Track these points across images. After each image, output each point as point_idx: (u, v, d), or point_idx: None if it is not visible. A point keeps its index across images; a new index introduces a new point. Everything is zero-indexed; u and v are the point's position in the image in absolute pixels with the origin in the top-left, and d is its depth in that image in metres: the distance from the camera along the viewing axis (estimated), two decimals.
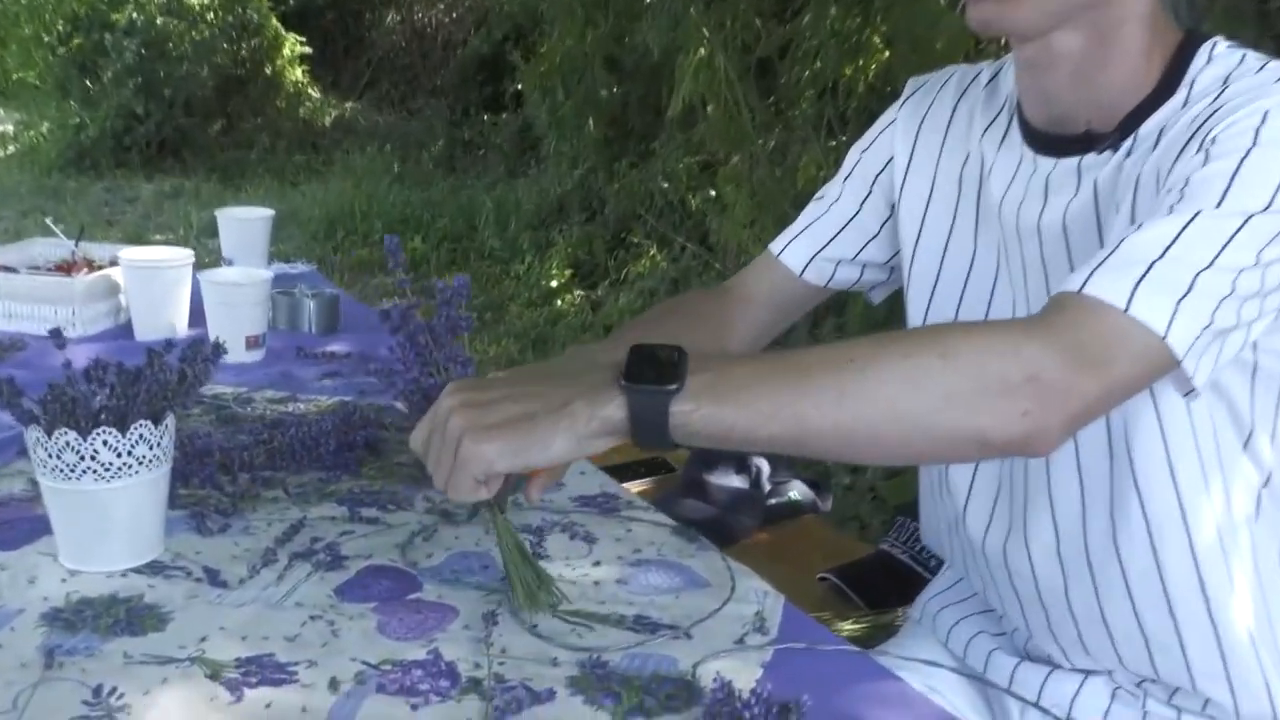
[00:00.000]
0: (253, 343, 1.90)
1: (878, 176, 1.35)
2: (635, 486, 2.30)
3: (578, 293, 6.30)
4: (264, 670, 0.99)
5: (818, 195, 1.41)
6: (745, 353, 1.30)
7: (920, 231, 1.30)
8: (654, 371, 0.95)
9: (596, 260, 6.50)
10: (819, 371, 0.94)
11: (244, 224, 2.35)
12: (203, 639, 1.04)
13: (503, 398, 0.97)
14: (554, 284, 6.33)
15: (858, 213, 1.37)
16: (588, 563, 1.22)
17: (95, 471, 1.11)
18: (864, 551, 2.16)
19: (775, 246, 1.42)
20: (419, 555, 1.22)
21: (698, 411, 0.93)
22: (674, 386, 0.93)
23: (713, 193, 5.79)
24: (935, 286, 1.29)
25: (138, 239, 7.53)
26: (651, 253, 6.09)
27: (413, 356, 1.12)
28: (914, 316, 1.31)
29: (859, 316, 4.22)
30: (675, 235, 6.01)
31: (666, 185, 6.28)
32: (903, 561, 2.03)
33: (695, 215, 6.06)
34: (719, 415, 0.93)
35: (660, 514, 1.36)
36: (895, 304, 1.45)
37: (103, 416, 1.11)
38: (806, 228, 1.40)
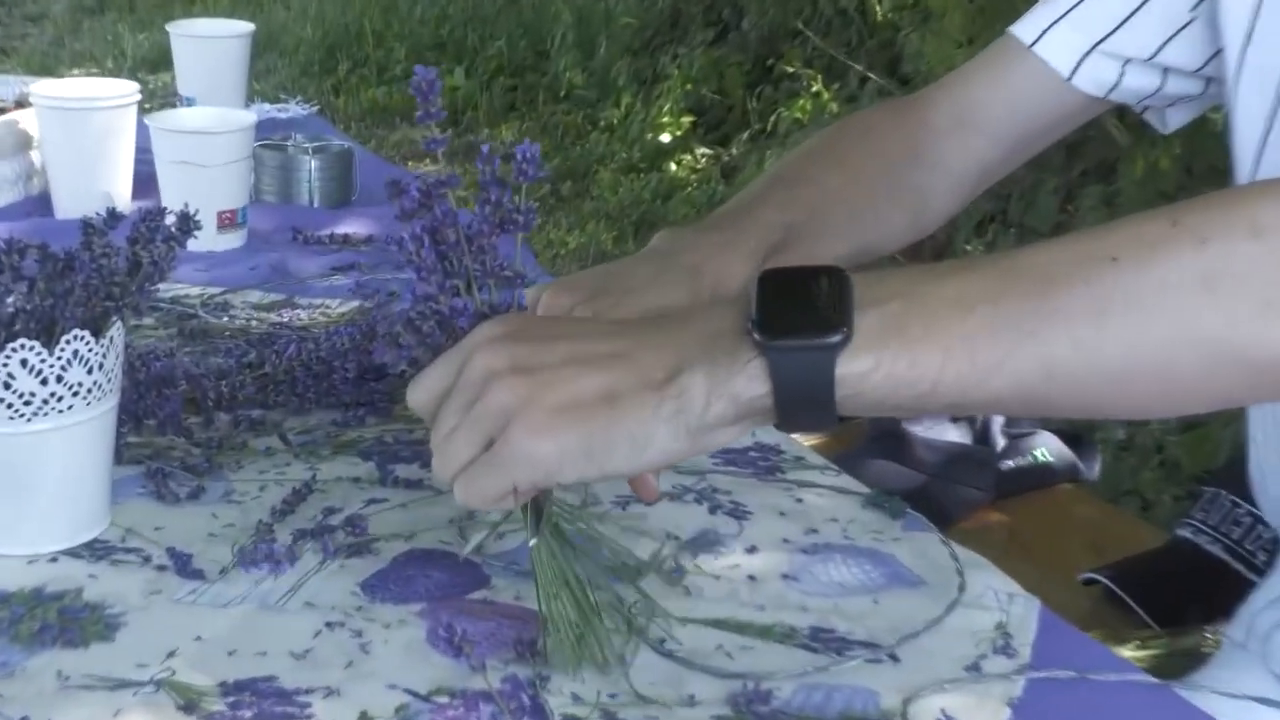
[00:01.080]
0: (228, 221, 1.93)
1: None
2: (805, 436, 2.30)
3: (702, 151, 6.29)
4: (262, 700, 1.00)
5: None
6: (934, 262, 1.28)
7: (1256, 19, 1.27)
8: (800, 311, 0.92)
9: (730, 101, 6.47)
10: (1065, 281, 0.90)
11: (210, 44, 2.38)
12: (171, 654, 1.05)
13: (571, 358, 0.95)
14: (666, 138, 6.33)
15: None
16: (738, 548, 1.23)
17: (9, 406, 1.13)
18: (1151, 540, 2.13)
19: (1023, 32, 1.41)
20: (485, 535, 1.23)
21: (878, 370, 0.91)
22: (837, 336, 0.90)
23: None
24: (1278, 111, 1.26)
25: (46, 73, 7.66)
26: (814, 88, 6.04)
27: (432, 260, 1.07)
28: (1242, 158, 1.29)
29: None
30: (851, 61, 5.94)
31: None
32: (1212, 555, 2.00)
33: (882, 30, 5.99)
34: (914, 372, 0.91)
35: (847, 477, 1.36)
36: None
37: (17, 326, 1.13)
38: (1073, 7, 1.39)
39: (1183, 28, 1.36)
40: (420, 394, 1.00)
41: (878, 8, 5.95)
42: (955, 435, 2.27)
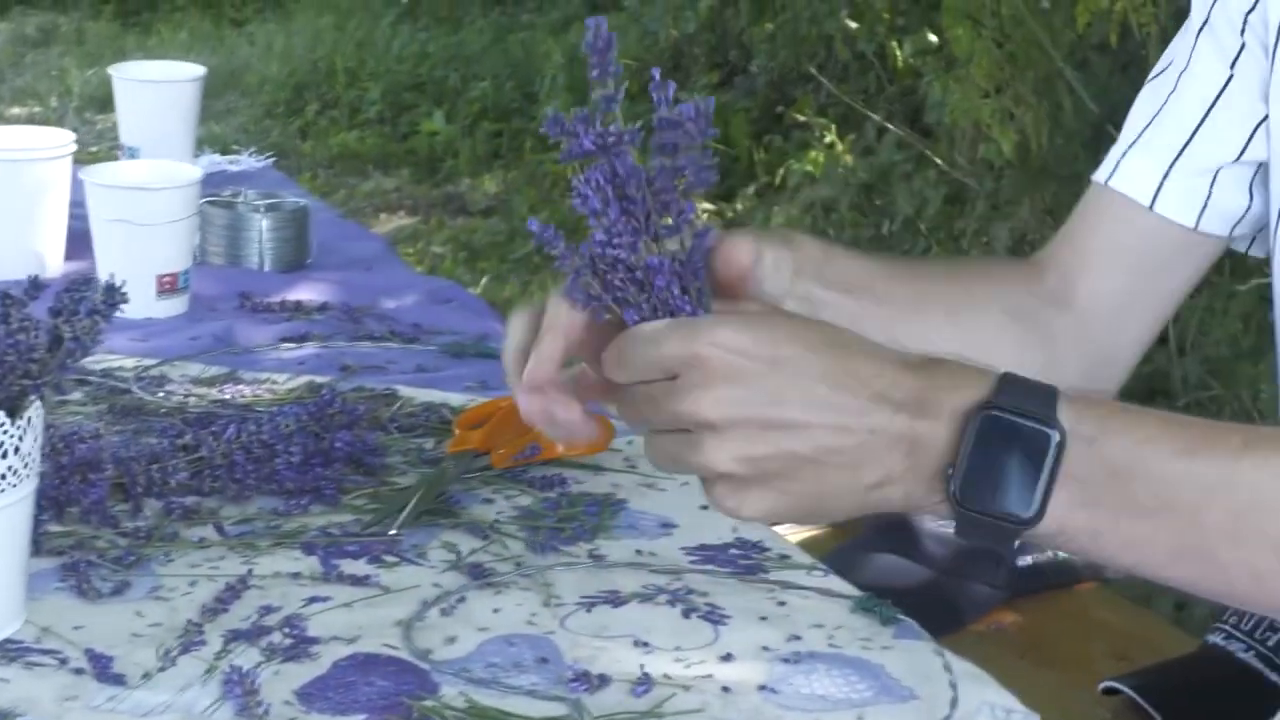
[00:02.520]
0: (168, 285, 1.94)
1: (1248, 16, 1.35)
2: (792, 530, 2.30)
3: (703, 206, 6.30)
4: None
5: (1154, 72, 1.42)
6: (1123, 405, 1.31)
7: None
8: (1003, 484, 1.00)
9: (735, 151, 6.50)
10: (1251, 457, 1.02)
11: (155, 90, 2.40)
12: None
13: (792, 456, 1.02)
14: None
15: (1228, 83, 1.37)
16: (713, 656, 1.23)
17: None
18: (1180, 646, 2.13)
19: (1101, 173, 1.43)
20: (434, 639, 1.24)
21: (1060, 536, 1.03)
22: (1029, 515, 1.00)
23: (933, 38, 5.74)
24: None
25: None
26: (828, 139, 6.07)
27: (616, 213, 1.10)
28: None
29: None
30: (869, 110, 5.97)
31: (855, 26, 6.25)
32: (1246, 663, 2.01)
33: (903, 77, 6.02)
34: (1094, 544, 1.04)
35: (835, 578, 1.36)
36: None
37: None
38: (1145, 129, 1.40)
39: (1261, 121, 1.36)
40: (624, 372, 1.05)
41: (898, 53, 5.98)
42: None
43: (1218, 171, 1.38)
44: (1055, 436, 0.99)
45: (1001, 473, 1.00)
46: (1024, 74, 4.63)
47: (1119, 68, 4.73)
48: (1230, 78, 1.37)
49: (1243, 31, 1.36)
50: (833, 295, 1.32)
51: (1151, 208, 1.40)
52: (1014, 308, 1.43)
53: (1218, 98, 1.37)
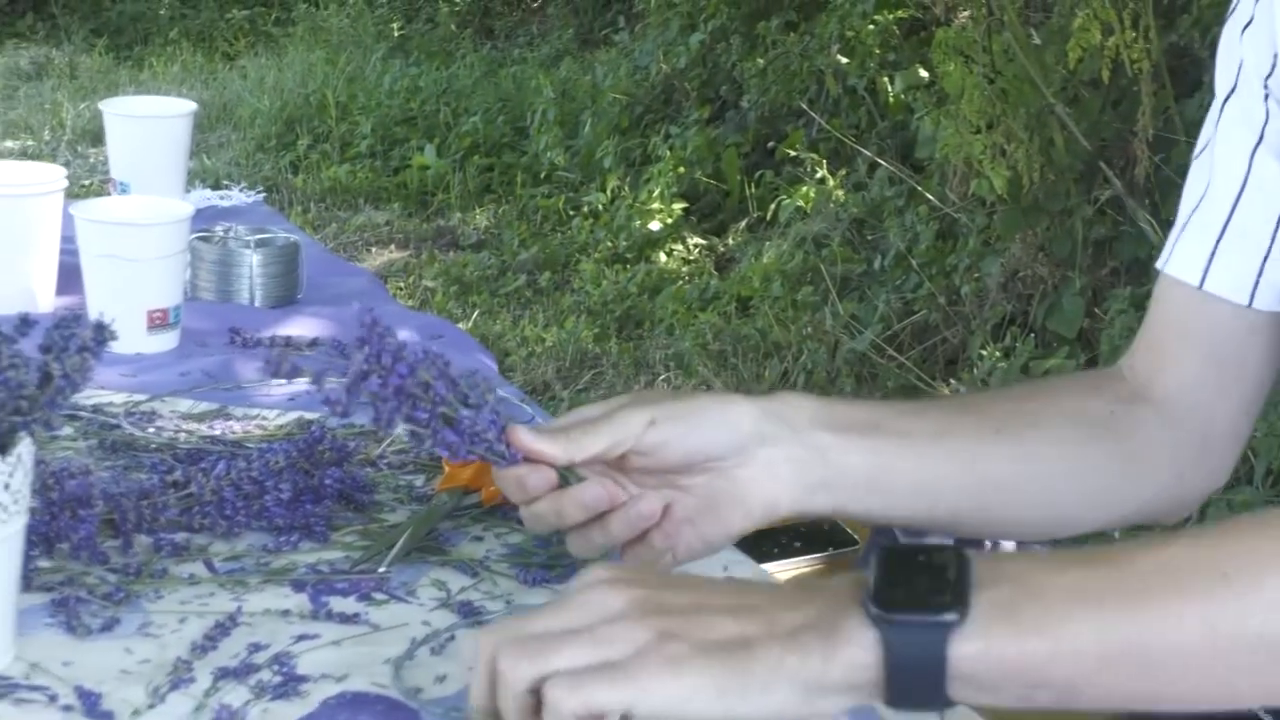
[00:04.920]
0: (158, 321, 1.95)
1: (1268, 80, 1.36)
2: (781, 570, 2.30)
3: (695, 241, 6.33)
4: None
5: (1197, 149, 1.42)
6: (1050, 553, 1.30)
7: None
8: (918, 588, 0.99)
9: (727, 186, 6.52)
10: (1175, 591, 0.99)
11: (146, 126, 2.40)
12: None
13: (703, 605, 1.02)
14: (655, 225, 6.37)
15: (1257, 149, 1.37)
16: None
17: None
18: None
19: (1160, 260, 1.43)
20: (423, 678, 1.24)
21: (989, 654, 0.98)
22: (952, 615, 0.97)
23: (924, 74, 5.76)
24: None
25: None
26: (819, 174, 6.09)
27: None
28: None
29: None
30: (860, 146, 6.00)
31: (845, 61, 6.28)
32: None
33: (894, 112, 6.05)
34: (1022, 660, 0.98)
35: None
36: None
37: None
38: (1194, 211, 1.40)
39: None
40: (526, 629, 1.04)
41: (889, 88, 6.00)
42: None
43: (1272, 245, 1.36)
44: (960, 551, 1.01)
45: (914, 573, 1.00)
46: (1015, 110, 4.65)
47: (1111, 104, 4.75)
48: (1258, 143, 1.37)
49: (1265, 98, 1.36)
50: (841, 438, 1.32)
51: (1201, 287, 1.38)
52: (1078, 415, 1.41)
53: (1248, 174, 1.37)
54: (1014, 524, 1.42)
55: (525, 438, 1.24)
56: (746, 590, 1.07)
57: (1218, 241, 1.38)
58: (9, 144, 7.93)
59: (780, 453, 1.29)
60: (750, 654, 0.99)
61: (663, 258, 6.17)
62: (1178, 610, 0.98)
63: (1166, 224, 4.29)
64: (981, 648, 0.97)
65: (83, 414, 1.70)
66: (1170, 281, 1.41)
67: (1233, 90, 1.39)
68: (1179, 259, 1.40)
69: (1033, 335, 4.74)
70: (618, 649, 0.99)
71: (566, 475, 1.25)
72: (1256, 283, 1.37)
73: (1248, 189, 1.37)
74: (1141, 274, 4.52)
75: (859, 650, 0.98)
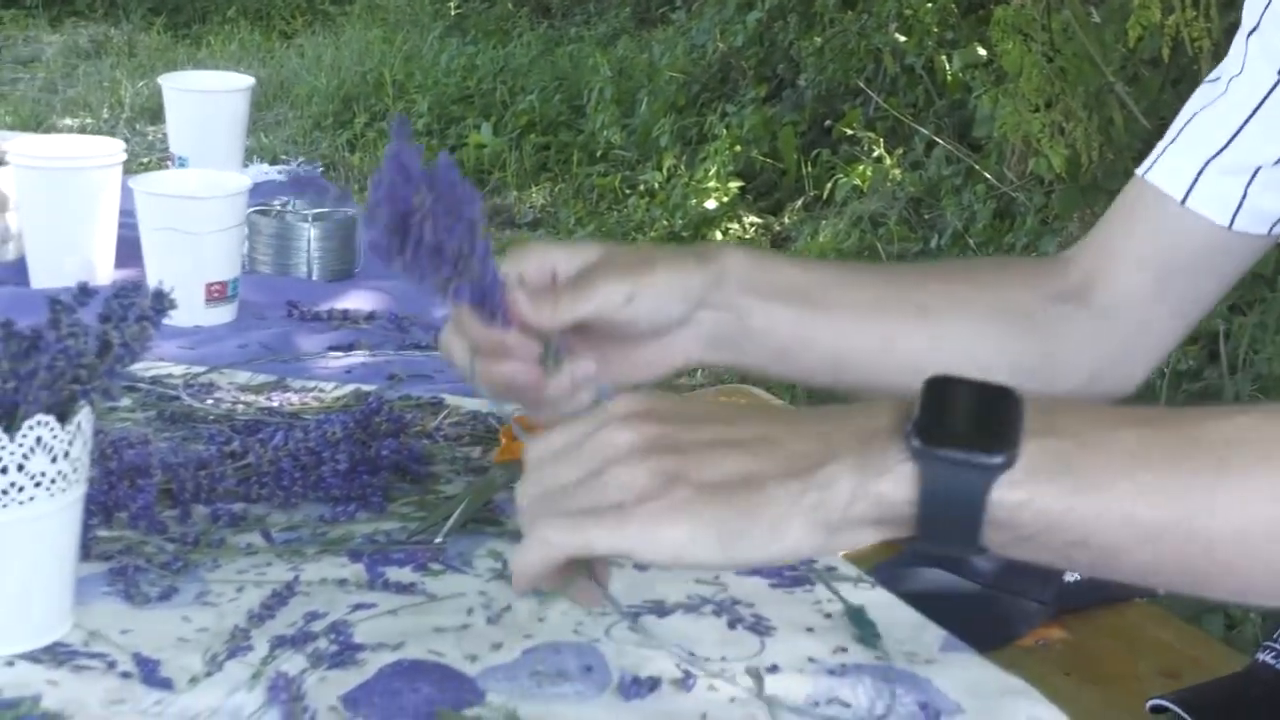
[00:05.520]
0: (217, 294, 1.96)
1: None
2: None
3: (751, 219, 6.32)
4: None
5: (1210, 77, 1.42)
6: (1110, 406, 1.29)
7: None
8: (965, 424, 0.95)
9: (783, 165, 6.50)
10: (1242, 461, 0.94)
11: (205, 101, 2.41)
12: None
13: (718, 440, 0.98)
14: (711, 204, 6.36)
15: (1275, 87, 1.37)
16: (758, 668, 1.23)
17: None
18: (1230, 665, 2.12)
19: (1142, 167, 1.44)
20: (480, 645, 1.24)
21: (1032, 505, 0.93)
22: (998, 458, 0.93)
23: (982, 52, 5.73)
24: None
25: (36, 124, 7.77)
26: (876, 153, 6.07)
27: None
28: None
29: None
30: (918, 124, 5.97)
31: (903, 39, 6.25)
32: None
33: (952, 90, 6.02)
34: (1069, 518, 0.93)
35: (881, 589, 1.37)
36: None
37: None
38: (1186, 126, 1.41)
39: None
40: (539, 450, 1.02)
41: (947, 66, 5.98)
42: None
43: (1256, 172, 1.37)
44: (1013, 392, 0.96)
45: (963, 409, 0.95)
46: (1074, 88, 4.62)
47: (1170, 82, 4.72)
48: (1277, 82, 1.37)
49: None
50: (765, 304, 1.33)
51: (1184, 203, 1.39)
52: (1004, 306, 1.42)
53: (1263, 100, 1.37)
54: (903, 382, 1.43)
55: (524, 307, 1.25)
56: (770, 420, 1.01)
57: (1209, 161, 1.39)
58: (68, 121, 7.97)
59: (709, 314, 1.32)
60: (762, 494, 0.95)
61: (718, 236, 6.16)
62: (1251, 486, 0.93)
63: None
64: (1024, 497, 0.92)
65: (141, 385, 1.71)
66: (1148, 189, 1.42)
67: (1256, 27, 1.39)
68: (1164, 170, 1.41)
69: None
70: (619, 492, 0.96)
71: (548, 347, 1.27)
72: (1240, 205, 1.38)
73: (1255, 119, 1.37)
74: None
75: (894, 484, 0.93)
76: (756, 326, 1.33)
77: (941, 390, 0.97)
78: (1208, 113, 1.41)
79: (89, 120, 8.00)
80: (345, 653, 1.22)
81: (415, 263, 1.21)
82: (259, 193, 2.24)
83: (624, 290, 1.27)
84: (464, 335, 1.28)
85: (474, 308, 1.25)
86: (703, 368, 1.36)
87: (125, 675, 1.18)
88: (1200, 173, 1.39)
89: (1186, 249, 1.41)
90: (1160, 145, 1.44)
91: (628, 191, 6.77)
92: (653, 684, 1.19)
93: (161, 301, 1.21)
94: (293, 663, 1.20)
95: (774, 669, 1.23)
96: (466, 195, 1.21)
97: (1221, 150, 1.38)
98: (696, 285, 1.31)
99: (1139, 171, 1.44)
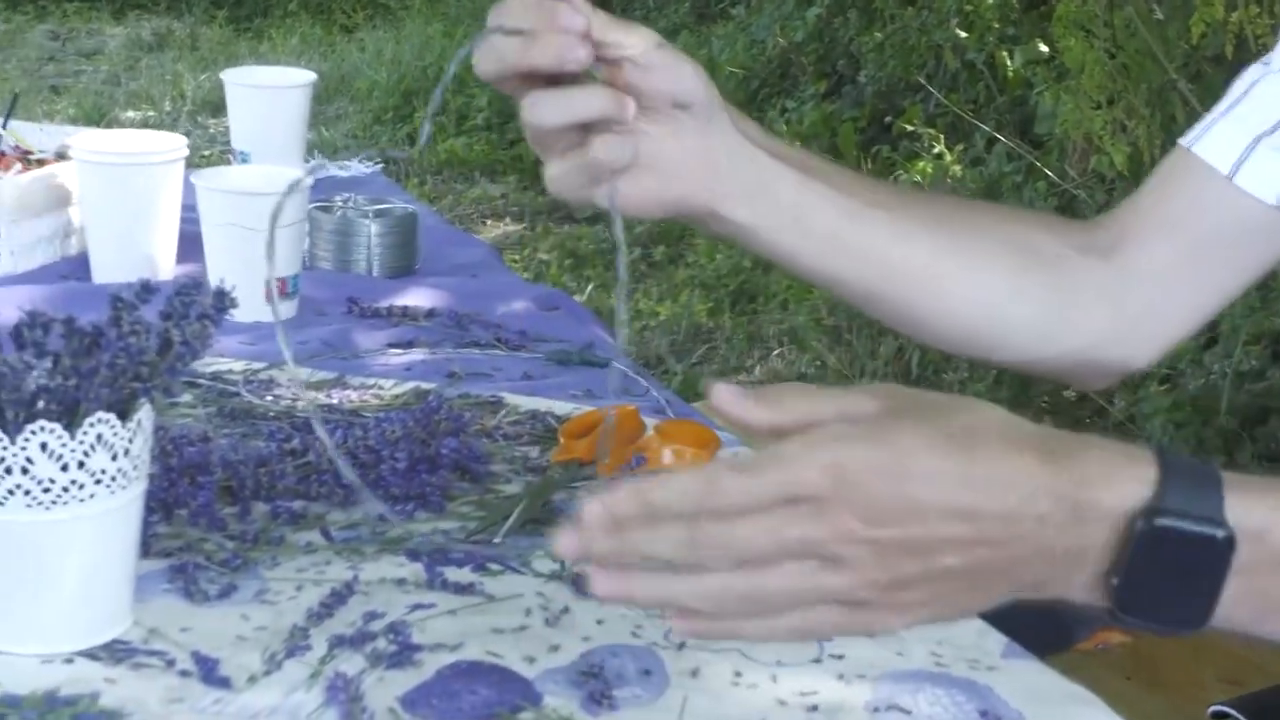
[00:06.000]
0: (278, 290, 1.95)
1: None
2: None
3: None
4: None
5: (1263, 60, 1.42)
6: None
7: None
8: (1169, 590, 0.95)
9: (844, 161, 6.48)
10: None
11: (266, 96, 2.42)
12: None
13: (941, 574, 0.95)
14: None
15: None
16: (816, 671, 1.23)
17: (27, 494, 1.15)
18: None
19: (1188, 137, 1.42)
20: (538, 647, 1.24)
21: (1219, 625, 0.97)
22: (1196, 622, 0.97)
23: (1044, 48, 5.70)
24: None
25: (99, 116, 7.81)
26: (936, 149, 6.05)
27: None
28: None
29: None
30: (978, 121, 5.95)
31: (964, 35, 6.23)
32: None
33: (1013, 87, 5.99)
34: (1257, 629, 0.98)
35: None
36: None
37: (39, 405, 1.15)
38: (1239, 101, 1.40)
39: None
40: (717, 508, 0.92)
41: (1008, 62, 5.95)
42: None
43: None
44: (1225, 537, 0.94)
45: (1169, 584, 0.95)
46: (1137, 85, 4.59)
47: (1233, 79, 4.69)
48: None
49: None
50: (780, 166, 1.31)
51: (1231, 178, 1.38)
52: (1021, 242, 1.41)
53: None
54: (926, 319, 1.41)
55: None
56: (990, 536, 0.95)
57: (1260, 138, 1.38)
58: (130, 114, 8.02)
59: (723, 143, 1.27)
60: (968, 609, 0.99)
61: None
62: None
63: None
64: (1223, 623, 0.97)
65: (202, 381, 1.71)
66: (1193, 161, 1.41)
67: None
68: (1212, 143, 1.40)
69: None
70: (828, 593, 0.93)
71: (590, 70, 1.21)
72: None
73: None
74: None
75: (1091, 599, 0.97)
76: (770, 183, 1.29)
77: (1157, 544, 0.94)
78: (1261, 89, 1.40)
79: (151, 113, 8.04)
80: (404, 653, 1.22)
81: None
82: (320, 188, 2.25)
83: (653, 37, 1.23)
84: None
85: None
86: (710, 224, 1.29)
87: (184, 673, 1.18)
88: (1251, 149, 1.37)
89: (1226, 225, 1.40)
90: (1208, 118, 1.42)
91: None
92: (710, 688, 1.18)
93: (223, 300, 1.21)
94: (351, 662, 1.20)
95: (839, 675, 1.22)
96: None
97: (1275, 129, 1.37)
98: (705, 81, 1.26)
99: (1183, 142, 1.43)
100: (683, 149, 1.25)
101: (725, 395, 0.99)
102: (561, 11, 1.18)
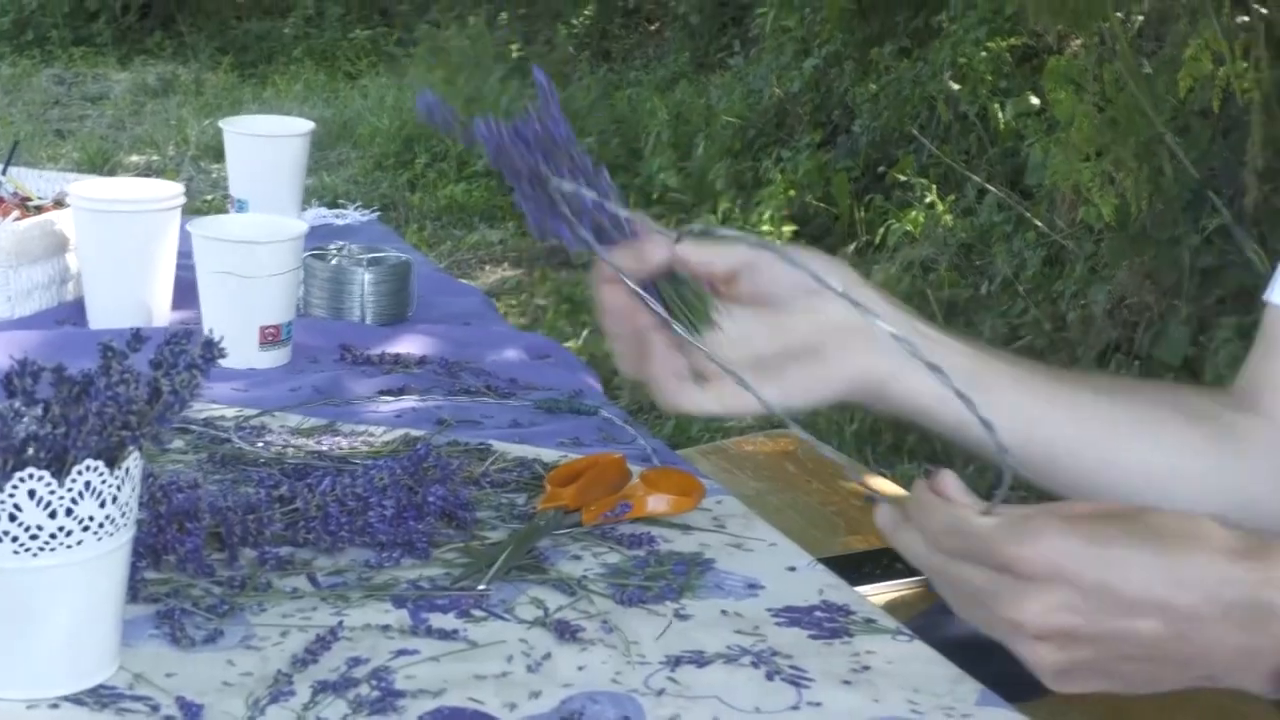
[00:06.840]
0: (270, 337, 1.96)
1: None
2: (879, 593, 2.28)
3: None
4: None
5: None
6: None
7: None
8: None
9: (837, 210, 6.50)
10: None
11: (264, 144, 2.43)
12: None
13: (1117, 660, 1.08)
14: None
15: None
16: (794, 717, 1.23)
17: (15, 540, 1.15)
18: (1272, 718, 2.10)
19: (1268, 292, 1.43)
20: (519, 694, 1.24)
21: None
22: None
23: (1035, 101, 5.72)
24: None
25: (103, 161, 7.83)
26: (928, 199, 6.06)
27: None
28: None
29: None
30: (970, 171, 5.96)
31: (957, 88, 6.25)
32: None
33: (1004, 139, 6.01)
34: None
35: (919, 642, 1.36)
36: None
37: (28, 452, 1.15)
38: None
39: None
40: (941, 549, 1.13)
41: (1000, 115, 5.97)
42: None
43: None
44: None
45: None
46: (1125, 138, 4.60)
47: (1220, 133, 4.70)
48: None
49: None
50: (944, 335, 1.32)
51: None
52: (1191, 410, 1.40)
53: None
54: (1108, 484, 1.39)
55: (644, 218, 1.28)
56: (1178, 630, 1.05)
57: None
58: (134, 158, 8.04)
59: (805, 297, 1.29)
60: (1145, 689, 1.09)
61: None
62: None
63: (1274, 253, 4.24)
64: None
65: (194, 427, 1.72)
66: (1275, 312, 1.41)
67: None
68: None
69: (1138, 363, 4.69)
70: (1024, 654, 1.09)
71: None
72: None
73: None
74: (1248, 303, 4.46)
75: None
76: (937, 351, 1.27)
77: None
78: None
79: (154, 158, 8.06)
80: (386, 699, 1.22)
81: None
82: (316, 236, 2.26)
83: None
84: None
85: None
86: (863, 404, 1.32)
87: (168, 719, 1.18)
88: None
89: None
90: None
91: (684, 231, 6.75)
92: None
93: (211, 350, 1.22)
94: (334, 708, 1.20)
95: None
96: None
97: None
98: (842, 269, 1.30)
99: (1266, 297, 1.42)
100: (820, 333, 1.29)
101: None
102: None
